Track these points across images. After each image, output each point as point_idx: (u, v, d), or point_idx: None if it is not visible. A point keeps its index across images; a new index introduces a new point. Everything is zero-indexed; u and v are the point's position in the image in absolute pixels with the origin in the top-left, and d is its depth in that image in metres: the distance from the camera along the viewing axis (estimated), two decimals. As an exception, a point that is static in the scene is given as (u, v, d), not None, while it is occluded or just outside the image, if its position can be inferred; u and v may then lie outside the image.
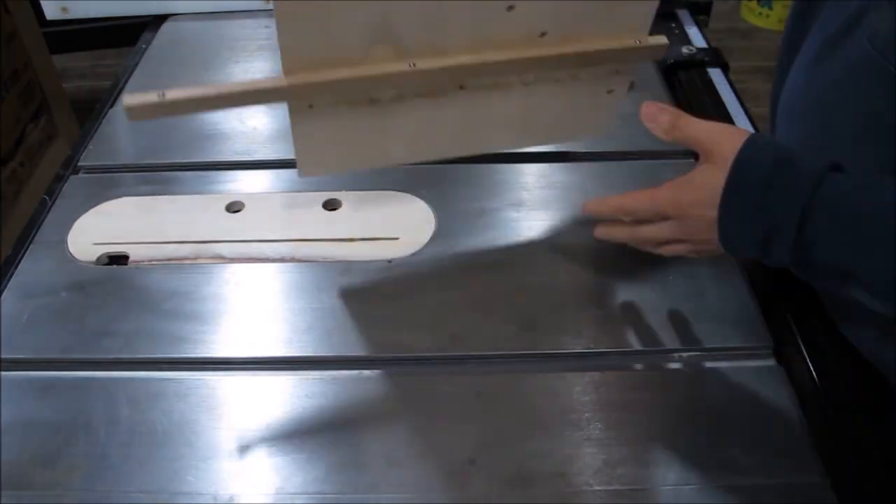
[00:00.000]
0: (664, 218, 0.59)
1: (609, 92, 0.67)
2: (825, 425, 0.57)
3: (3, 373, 0.63)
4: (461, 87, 0.63)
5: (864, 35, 0.50)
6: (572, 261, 0.71)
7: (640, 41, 0.63)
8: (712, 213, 0.54)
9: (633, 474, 0.55)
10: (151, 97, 0.55)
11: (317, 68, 0.57)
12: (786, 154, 0.52)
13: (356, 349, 0.64)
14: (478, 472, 0.56)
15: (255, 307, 0.68)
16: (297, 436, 0.58)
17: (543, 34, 0.60)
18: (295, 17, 0.55)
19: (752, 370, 0.61)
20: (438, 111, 0.64)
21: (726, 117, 0.88)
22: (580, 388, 0.61)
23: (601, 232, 0.66)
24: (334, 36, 0.56)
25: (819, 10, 0.59)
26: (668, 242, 0.61)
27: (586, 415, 0.59)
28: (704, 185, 0.55)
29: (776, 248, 0.51)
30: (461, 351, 0.64)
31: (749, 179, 0.52)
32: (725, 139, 0.55)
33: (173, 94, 0.55)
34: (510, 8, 0.58)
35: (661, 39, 0.63)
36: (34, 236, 0.76)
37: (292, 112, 0.61)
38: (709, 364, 0.62)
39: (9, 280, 0.71)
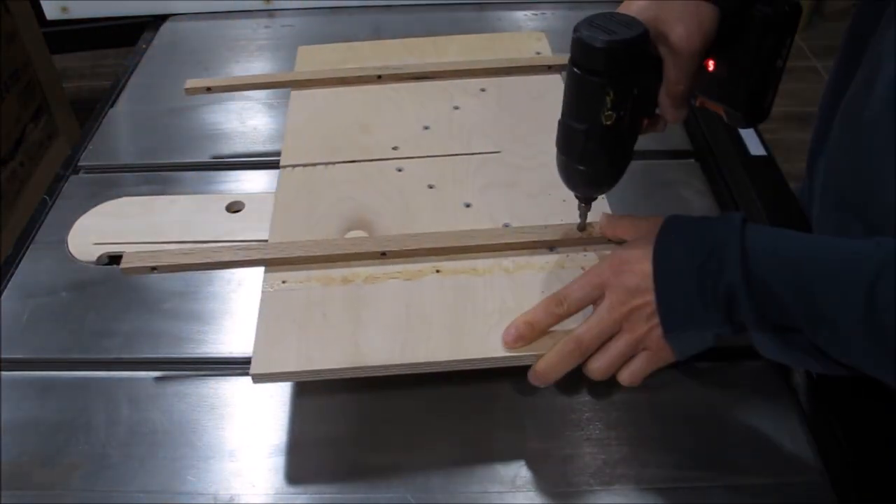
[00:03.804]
0: (598, 296, 0.57)
1: None
2: (825, 425, 0.57)
3: (3, 373, 0.63)
4: (437, 271, 0.63)
5: None
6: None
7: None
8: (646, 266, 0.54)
9: (633, 474, 0.55)
10: (146, 264, 0.63)
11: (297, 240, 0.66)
12: (701, 219, 0.54)
13: (356, 349, 0.64)
14: (478, 471, 0.56)
15: (256, 307, 0.68)
16: (297, 436, 0.58)
17: (506, 225, 0.68)
18: (289, 206, 0.71)
19: (752, 370, 0.61)
20: (416, 296, 0.61)
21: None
22: (580, 388, 0.61)
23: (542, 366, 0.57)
24: (316, 219, 0.69)
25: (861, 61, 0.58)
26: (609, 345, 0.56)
27: (586, 415, 0.59)
28: (636, 246, 0.57)
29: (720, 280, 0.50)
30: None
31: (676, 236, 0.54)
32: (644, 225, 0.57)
33: (166, 259, 0.64)
34: (468, 205, 0.70)
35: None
36: (34, 236, 0.76)
37: (265, 285, 0.62)
38: (709, 364, 0.62)
39: (9, 280, 0.71)
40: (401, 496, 0.54)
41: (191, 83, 0.87)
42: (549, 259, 0.64)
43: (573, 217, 0.65)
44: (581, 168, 0.58)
